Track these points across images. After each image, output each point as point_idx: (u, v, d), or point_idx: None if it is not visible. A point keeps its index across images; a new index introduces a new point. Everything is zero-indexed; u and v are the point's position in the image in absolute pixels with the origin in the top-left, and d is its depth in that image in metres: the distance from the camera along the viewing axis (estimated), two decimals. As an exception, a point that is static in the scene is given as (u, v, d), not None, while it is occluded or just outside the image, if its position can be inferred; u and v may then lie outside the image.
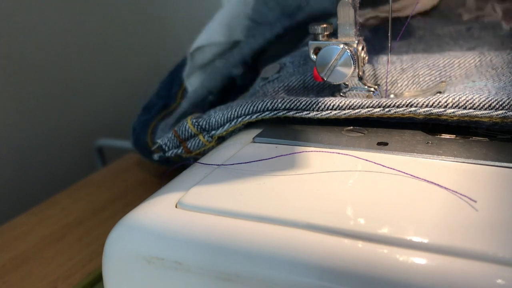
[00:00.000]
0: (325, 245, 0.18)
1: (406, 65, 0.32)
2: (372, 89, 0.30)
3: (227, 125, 0.28)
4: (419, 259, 0.17)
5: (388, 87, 0.31)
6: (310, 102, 0.28)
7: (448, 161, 0.24)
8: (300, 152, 0.26)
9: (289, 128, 0.29)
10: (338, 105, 0.27)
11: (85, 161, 0.49)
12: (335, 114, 0.27)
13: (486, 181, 0.22)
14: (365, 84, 0.30)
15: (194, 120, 0.29)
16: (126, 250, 0.21)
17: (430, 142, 0.26)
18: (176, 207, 0.22)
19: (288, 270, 0.18)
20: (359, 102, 0.27)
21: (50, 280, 0.33)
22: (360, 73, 0.30)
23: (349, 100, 0.27)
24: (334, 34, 0.30)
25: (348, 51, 0.29)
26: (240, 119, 0.28)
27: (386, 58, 0.32)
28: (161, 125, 0.38)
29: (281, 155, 0.25)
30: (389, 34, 0.30)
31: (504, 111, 0.25)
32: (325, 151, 0.25)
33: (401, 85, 0.31)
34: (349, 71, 0.29)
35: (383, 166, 0.23)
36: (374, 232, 0.18)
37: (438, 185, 0.21)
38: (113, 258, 0.22)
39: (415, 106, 0.26)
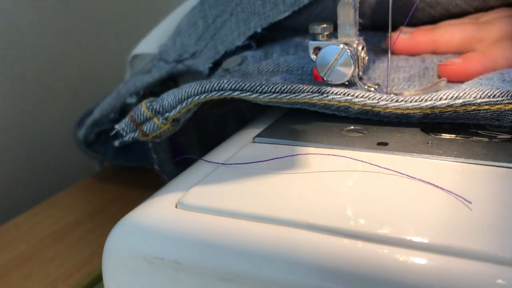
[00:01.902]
0: (325, 245, 0.18)
1: (416, 82, 0.32)
2: (372, 89, 0.30)
3: (179, 106, 0.29)
4: (419, 259, 0.17)
5: (389, 89, 0.31)
6: (254, 85, 0.28)
7: (448, 161, 0.24)
8: (301, 154, 0.26)
9: (289, 128, 0.29)
10: (281, 89, 0.28)
11: (85, 161, 0.49)
12: (276, 97, 0.28)
13: (486, 181, 0.22)
14: (365, 84, 0.30)
15: (148, 104, 0.30)
16: (126, 250, 0.21)
17: (430, 142, 0.26)
18: (176, 207, 0.22)
19: (288, 270, 0.18)
20: (300, 87, 0.28)
21: (50, 280, 0.33)
22: (360, 73, 0.30)
23: (291, 85, 0.28)
24: (334, 34, 0.30)
25: (348, 51, 0.29)
26: (190, 100, 0.29)
27: (391, 59, 0.32)
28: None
29: (283, 157, 0.25)
30: (389, 35, 0.30)
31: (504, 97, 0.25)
32: (323, 154, 0.25)
33: (402, 87, 0.32)
34: (349, 71, 0.29)
35: (378, 166, 0.23)
36: (374, 232, 0.18)
37: (433, 185, 0.21)
38: (113, 258, 0.22)
39: (351, 96, 0.27)
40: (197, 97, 0.29)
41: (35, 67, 0.54)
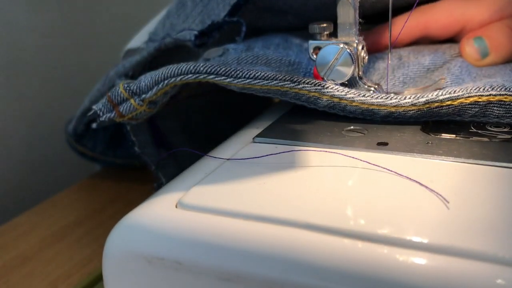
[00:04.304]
0: (325, 245, 0.18)
1: (410, 78, 0.32)
2: (372, 88, 0.30)
3: (155, 88, 0.29)
4: (419, 259, 0.17)
5: (389, 87, 0.31)
6: (230, 69, 0.28)
7: (448, 161, 0.24)
8: (301, 154, 0.26)
9: (289, 128, 0.29)
10: (254, 75, 0.28)
11: (85, 161, 0.49)
12: (249, 82, 0.28)
13: (486, 181, 0.22)
14: (365, 84, 0.30)
15: (125, 85, 0.30)
16: (126, 250, 0.21)
17: (430, 142, 0.26)
18: (176, 207, 0.22)
19: (288, 270, 0.18)
20: (273, 74, 0.28)
21: (50, 280, 0.33)
22: (360, 72, 0.30)
23: (265, 72, 0.28)
24: (334, 34, 0.30)
25: (348, 50, 0.29)
26: (166, 81, 0.29)
27: (388, 58, 0.32)
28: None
29: (284, 152, 0.25)
30: (389, 35, 0.30)
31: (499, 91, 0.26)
32: (325, 151, 0.25)
33: (401, 86, 0.32)
34: (349, 70, 0.29)
35: (378, 166, 0.23)
36: (374, 232, 0.18)
37: (421, 184, 0.21)
38: (113, 258, 0.22)
39: (321, 86, 0.28)
40: (173, 79, 0.29)
41: (35, 66, 0.54)
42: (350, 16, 0.29)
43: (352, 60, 0.29)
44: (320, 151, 0.25)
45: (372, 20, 0.36)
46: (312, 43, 0.30)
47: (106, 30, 0.62)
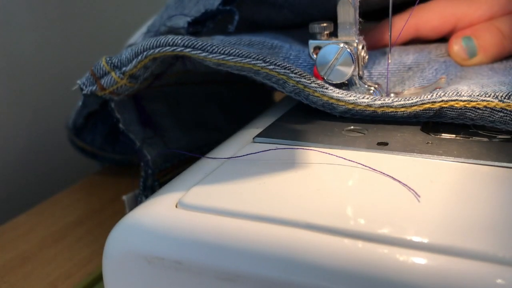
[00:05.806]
0: (325, 245, 0.18)
1: (384, 76, 0.32)
2: (372, 88, 0.30)
3: (135, 60, 0.29)
4: (420, 259, 0.17)
5: (389, 87, 0.31)
6: (206, 44, 0.29)
7: (448, 161, 0.24)
8: (301, 154, 0.26)
9: (289, 128, 0.29)
10: (229, 51, 0.29)
11: (85, 160, 0.49)
12: (223, 58, 0.29)
13: (486, 181, 0.22)
14: (365, 83, 0.30)
15: (107, 58, 0.30)
16: (126, 250, 0.21)
17: (430, 142, 0.26)
18: (176, 207, 0.22)
19: (288, 270, 0.18)
20: (248, 52, 0.29)
21: (50, 280, 0.33)
22: (360, 72, 0.30)
23: (240, 49, 0.29)
24: (334, 33, 0.30)
25: (348, 50, 0.29)
26: (145, 53, 0.29)
27: (388, 58, 0.32)
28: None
29: (279, 148, 0.26)
30: (389, 34, 0.30)
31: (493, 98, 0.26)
32: (323, 152, 0.25)
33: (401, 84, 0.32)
34: (349, 70, 0.29)
35: (372, 169, 0.23)
36: (375, 232, 0.18)
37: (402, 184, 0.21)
38: (113, 258, 0.22)
39: (289, 70, 0.28)
40: (151, 51, 0.29)
41: (35, 66, 0.54)
42: (350, 16, 0.29)
43: (352, 60, 0.29)
44: (320, 151, 0.25)
45: (366, 17, 0.36)
46: (312, 43, 0.30)
47: (107, 29, 0.62)
